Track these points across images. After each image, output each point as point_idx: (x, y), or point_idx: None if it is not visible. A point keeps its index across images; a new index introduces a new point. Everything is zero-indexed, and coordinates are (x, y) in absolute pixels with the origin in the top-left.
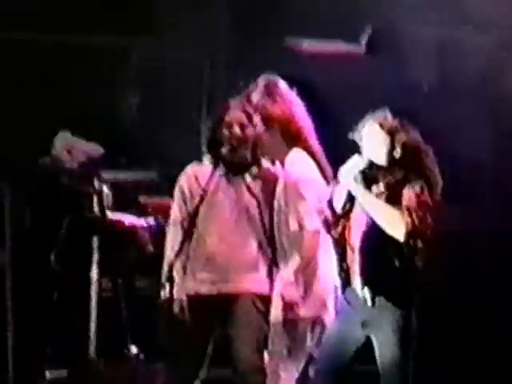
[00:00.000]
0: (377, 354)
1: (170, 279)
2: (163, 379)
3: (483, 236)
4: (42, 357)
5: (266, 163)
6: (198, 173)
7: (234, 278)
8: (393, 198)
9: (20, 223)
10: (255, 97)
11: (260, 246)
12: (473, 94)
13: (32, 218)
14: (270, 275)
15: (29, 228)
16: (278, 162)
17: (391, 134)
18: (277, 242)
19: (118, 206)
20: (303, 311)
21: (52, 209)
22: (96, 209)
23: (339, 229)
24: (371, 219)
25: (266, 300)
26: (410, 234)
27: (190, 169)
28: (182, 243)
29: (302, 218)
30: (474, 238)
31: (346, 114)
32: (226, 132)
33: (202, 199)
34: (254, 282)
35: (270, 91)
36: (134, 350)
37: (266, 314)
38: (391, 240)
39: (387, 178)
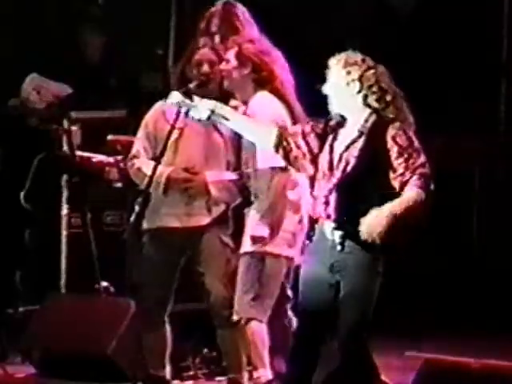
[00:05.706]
0: (341, 294)
1: (138, 213)
2: (133, 313)
3: None
4: (13, 293)
5: (234, 102)
6: (166, 109)
7: (199, 212)
8: None
9: None
10: (214, 22)
11: None
12: None
13: (2, 158)
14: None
15: None
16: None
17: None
18: (244, 180)
19: (87, 145)
20: (270, 247)
21: (22, 149)
22: (65, 147)
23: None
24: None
25: (232, 234)
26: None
27: (159, 105)
28: (151, 178)
29: (268, 158)
30: None
31: None
32: (194, 71)
33: (169, 136)
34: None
35: (228, 14)
36: (103, 284)
37: (232, 247)
38: (371, 177)
39: None
